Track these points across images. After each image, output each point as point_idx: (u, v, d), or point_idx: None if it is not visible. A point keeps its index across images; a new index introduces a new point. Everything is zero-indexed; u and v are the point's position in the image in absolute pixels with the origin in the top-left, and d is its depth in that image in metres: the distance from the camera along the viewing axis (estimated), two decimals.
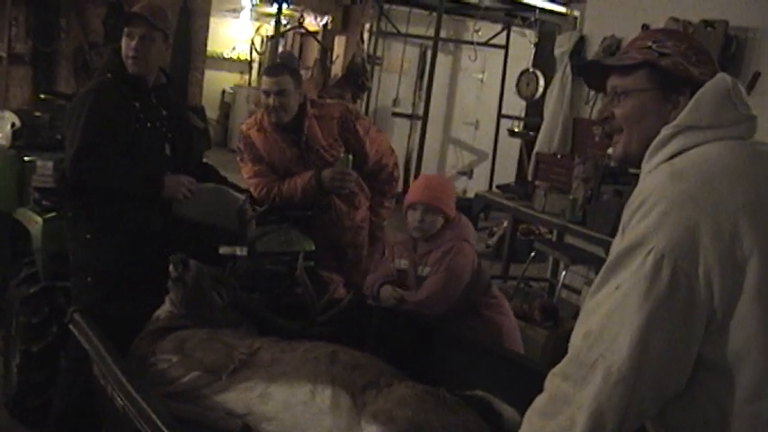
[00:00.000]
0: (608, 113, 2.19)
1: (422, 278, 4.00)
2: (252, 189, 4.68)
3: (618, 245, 1.95)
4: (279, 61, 4.82)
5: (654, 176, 1.98)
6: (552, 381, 1.98)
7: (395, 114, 12.16)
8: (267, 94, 4.57)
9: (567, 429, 1.88)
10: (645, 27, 6.86)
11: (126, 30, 3.94)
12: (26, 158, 5.01)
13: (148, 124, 3.97)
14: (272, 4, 13.07)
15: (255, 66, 17.14)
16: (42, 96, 10.16)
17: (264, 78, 4.65)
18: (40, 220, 4.41)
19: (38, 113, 7.13)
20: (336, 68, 12.48)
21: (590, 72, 2.35)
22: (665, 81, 2.08)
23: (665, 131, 2.01)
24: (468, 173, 12.92)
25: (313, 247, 4.54)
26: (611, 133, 2.21)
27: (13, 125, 9.62)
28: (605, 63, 2.25)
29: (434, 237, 4.04)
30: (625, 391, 1.82)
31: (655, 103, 2.09)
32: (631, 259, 1.86)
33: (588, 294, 1.98)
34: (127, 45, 3.93)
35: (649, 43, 2.12)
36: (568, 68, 8.43)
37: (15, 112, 9.90)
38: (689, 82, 2.05)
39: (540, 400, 2.01)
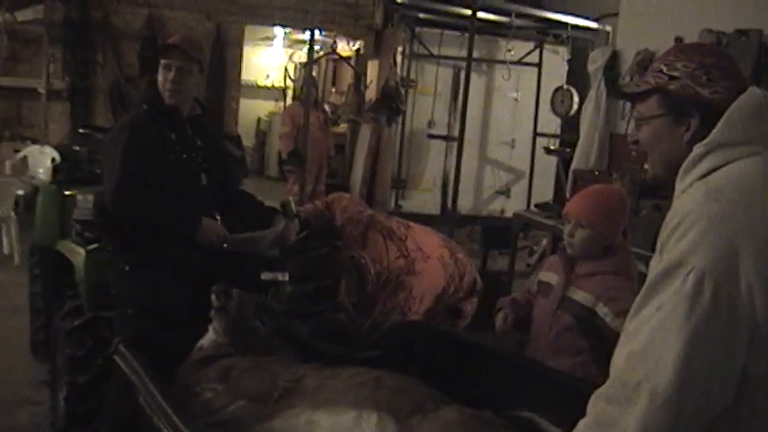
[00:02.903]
0: (635, 138, 2.21)
1: (570, 300, 3.55)
2: None
3: (656, 265, 1.94)
4: None
5: (689, 195, 1.98)
6: (596, 404, 1.96)
7: (430, 136, 12.13)
8: None
9: None
10: (678, 40, 6.85)
11: (162, 62, 3.97)
12: (67, 192, 5.07)
13: (184, 155, 4.00)
14: (304, 32, 13.16)
15: (290, 93, 17.24)
16: (81, 131, 10.30)
17: None
18: (82, 251, 4.46)
19: (77, 148, 7.23)
20: (370, 93, 12.52)
21: (620, 99, 2.39)
22: (675, 105, 2.08)
23: (696, 150, 2.01)
24: (505, 192, 12.87)
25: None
26: (642, 156, 2.23)
27: (53, 160, 9.79)
28: (624, 92, 2.29)
29: (595, 260, 3.54)
30: (671, 412, 1.80)
31: (667, 127, 2.10)
32: (672, 279, 1.85)
33: (629, 316, 1.97)
34: (164, 77, 3.96)
35: (661, 66, 2.13)
36: (602, 84, 8.43)
37: (55, 148, 10.07)
38: (698, 104, 2.05)
39: (584, 424, 1.99)
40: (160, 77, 3.98)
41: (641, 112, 2.16)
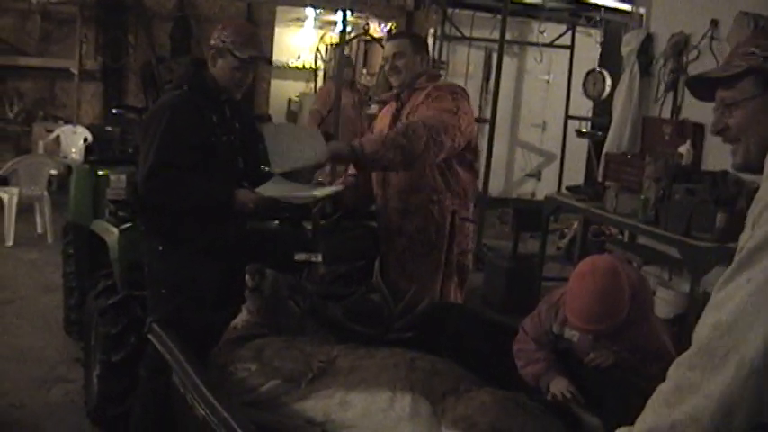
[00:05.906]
0: (722, 126, 2.17)
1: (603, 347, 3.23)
2: None
3: (747, 240, 1.93)
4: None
5: None
6: (677, 370, 1.95)
7: None
8: (385, 59, 4.56)
9: (694, 419, 1.85)
10: (714, 22, 6.76)
11: (240, 63, 3.94)
12: (99, 172, 5.08)
13: (224, 138, 3.98)
14: (336, 12, 13.13)
15: (321, 74, 17.22)
16: (113, 111, 10.35)
17: (385, 45, 4.69)
18: (116, 231, 4.47)
19: (109, 128, 7.24)
20: None
21: (695, 85, 2.32)
22: None
23: None
24: (536, 175, 12.83)
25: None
26: (728, 143, 2.19)
27: (85, 140, 9.83)
28: (710, 76, 2.23)
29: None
30: (757, 384, 1.80)
31: (766, 107, 2.07)
32: (764, 254, 1.85)
33: (716, 288, 1.95)
34: (234, 76, 3.95)
35: (752, 49, 2.10)
36: (636, 67, 8.32)
37: (87, 128, 10.11)
38: None
39: (664, 388, 1.97)
40: (228, 73, 3.96)
41: (732, 96, 2.12)
